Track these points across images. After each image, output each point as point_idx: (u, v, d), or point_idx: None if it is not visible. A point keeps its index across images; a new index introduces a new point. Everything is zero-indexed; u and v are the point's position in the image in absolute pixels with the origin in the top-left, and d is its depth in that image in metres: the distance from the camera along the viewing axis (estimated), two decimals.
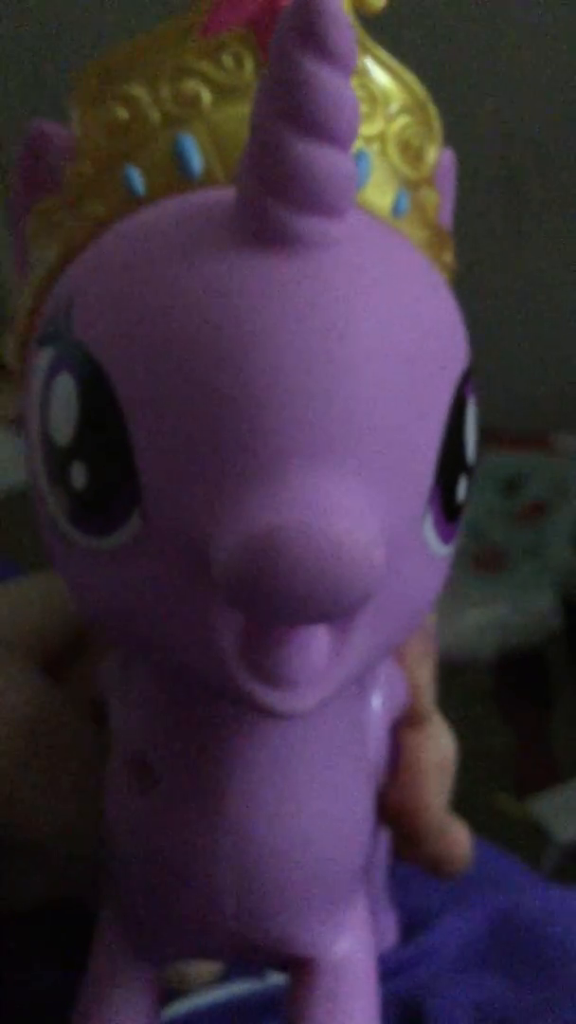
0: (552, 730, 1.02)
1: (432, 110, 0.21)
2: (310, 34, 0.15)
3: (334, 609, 0.16)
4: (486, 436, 1.27)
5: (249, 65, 0.19)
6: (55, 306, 0.19)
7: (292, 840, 0.21)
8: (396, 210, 0.20)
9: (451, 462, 0.19)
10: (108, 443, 0.17)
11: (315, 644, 0.17)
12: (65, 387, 0.18)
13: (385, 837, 0.29)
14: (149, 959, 0.23)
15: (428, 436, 0.18)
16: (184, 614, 0.18)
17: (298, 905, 0.21)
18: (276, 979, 0.31)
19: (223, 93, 0.19)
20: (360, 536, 0.16)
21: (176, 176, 0.19)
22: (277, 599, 0.16)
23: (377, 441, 0.17)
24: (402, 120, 0.20)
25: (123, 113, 0.19)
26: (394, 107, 0.20)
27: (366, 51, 0.20)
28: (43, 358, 0.19)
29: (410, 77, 0.21)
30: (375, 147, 0.20)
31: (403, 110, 0.21)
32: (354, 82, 0.20)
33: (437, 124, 0.21)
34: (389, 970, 0.32)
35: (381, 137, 0.20)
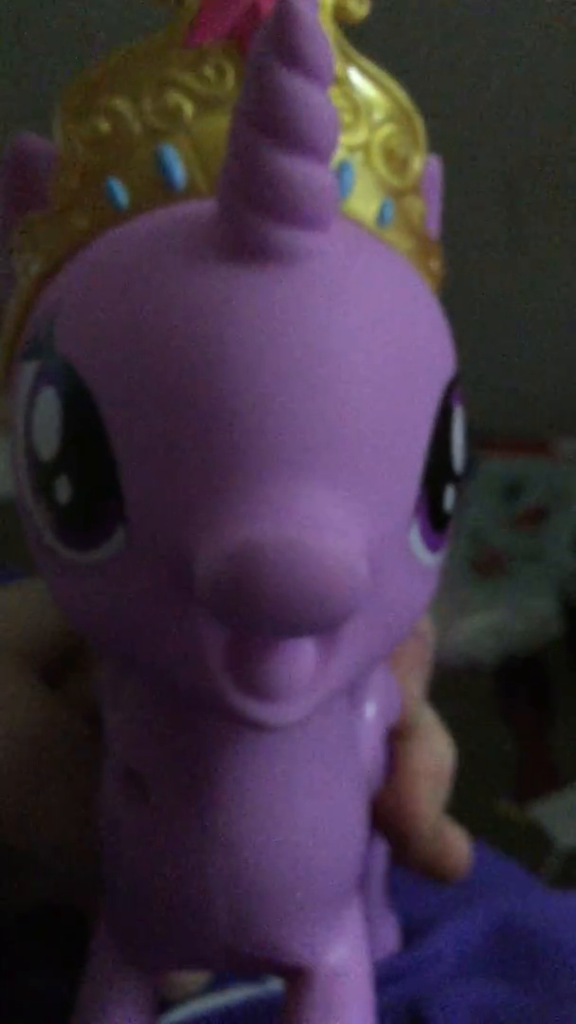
0: (553, 735, 1.01)
1: (417, 119, 0.21)
2: (286, 47, 0.15)
3: (319, 622, 0.16)
4: (486, 442, 1.27)
5: (231, 76, 0.19)
6: (39, 320, 0.19)
7: (284, 850, 0.21)
8: (381, 219, 0.20)
9: (437, 471, 0.19)
10: (91, 458, 0.17)
11: (301, 656, 0.17)
12: (49, 402, 0.18)
13: (382, 844, 0.29)
14: (144, 968, 0.23)
15: (413, 446, 0.18)
16: (169, 627, 0.18)
17: (291, 915, 0.21)
18: (275, 984, 0.31)
19: (205, 105, 0.19)
20: (343, 549, 0.16)
21: (159, 188, 0.19)
22: (260, 613, 0.16)
23: (361, 453, 0.17)
24: (386, 129, 0.20)
25: (106, 126, 0.19)
26: (378, 116, 0.20)
27: (349, 61, 0.20)
28: (27, 372, 0.19)
29: (394, 86, 0.21)
30: (359, 156, 0.20)
31: (387, 119, 0.21)
32: (337, 92, 0.20)
33: (422, 133, 0.21)
34: (389, 976, 0.32)
35: (365, 146, 0.20)
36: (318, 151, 0.16)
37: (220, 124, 0.19)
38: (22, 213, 0.21)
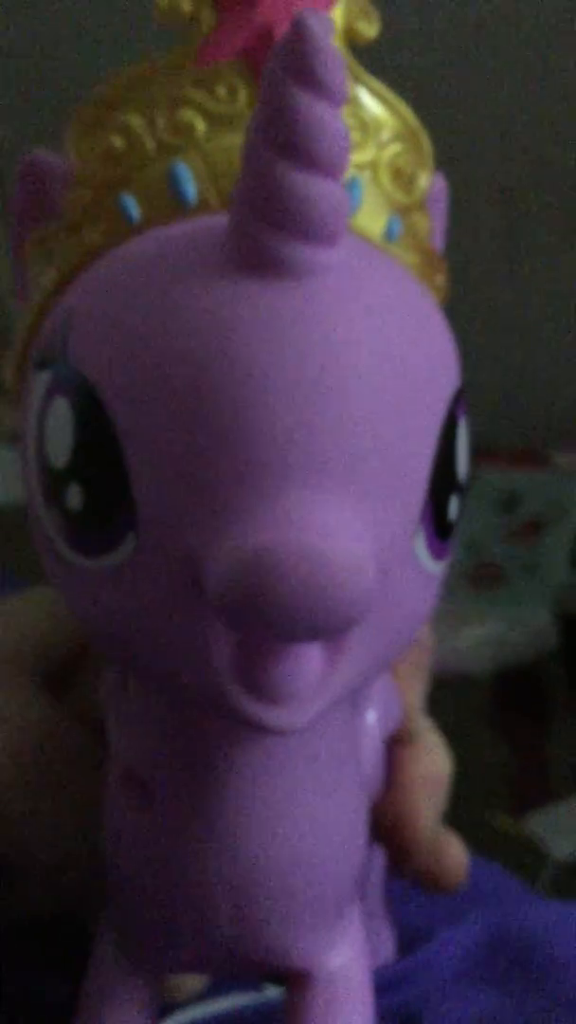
0: (548, 747, 1.01)
1: (424, 137, 0.21)
2: (301, 68, 0.16)
3: (326, 628, 0.16)
4: (483, 453, 1.27)
5: (243, 95, 0.20)
6: (52, 331, 0.19)
7: (286, 855, 0.21)
8: (388, 235, 0.21)
9: (443, 481, 0.19)
10: (103, 466, 0.18)
11: (308, 661, 0.18)
12: (61, 411, 0.18)
13: (380, 851, 0.30)
14: (146, 971, 0.24)
15: (420, 456, 0.18)
16: (179, 632, 0.18)
17: (292, 919, 0.22)
18: (273, 992, 0.31)
19: (217, 122, 0.20)
20: (352, 556, 0.16)
21: (171, 204, 0.20)
22: (269, 618, 0.16)
23: (369, 463, 0.17)
24: (394, 147, 0.21)
25: (119, 142, 0.20)
26: (386, 135, 0.21)
27: (358, 80, 0.21)
28: (40, 382, 0.19)
29: (402, 105, 0.21)
30: (367, 174, 0.21)
31: (395, 137, 0.21)
32: (346, 111, 0.20)
33: (428, 150, 0.22)
34: (387, 983, 0.32)
35: (373, 164, 0.21)
36: (331, 169, 0.16)
37: (232, 141, 0.19)
38: (35, 226, 0.21)
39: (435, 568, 0.20)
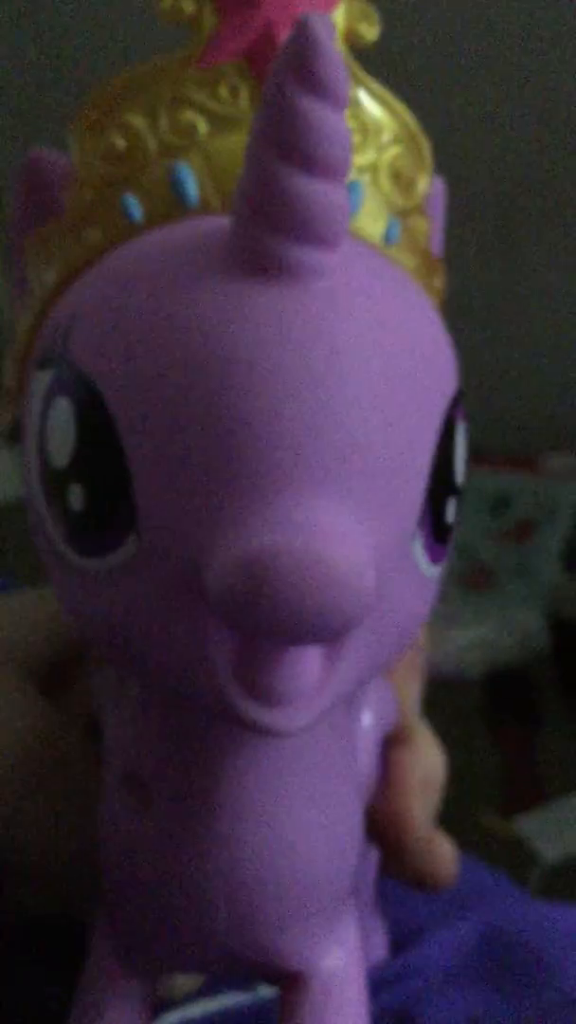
0: (538, 749, 1.02)
1: (423, 140, 0.21)
2: (304, 71, 0.16)
3: (326, 630, 0.16)
4: (475, 457, 1.27)
5: (245, 96, 0.20)
6: (53, 331, 0.19)
7: (283, 855, 0.21)
8: (387, 238, 0.21)
9: (441, 485, 0.19)
10: (105, 466, 0.18)
11: (307, 663, 0.18)
12: (62, 411, 0.18)
13: (374, 851, 0.30)
14: (141, 972, 0.24)
15: (419, 460, 0.18)
16: (178, 633, 0.18)
17: (289, 919, 0.22)
18: (266, 991, 0.31)
19: (219, 123, 0.20)
20: (352, 559, 0.16)
21: (173, 204, 0.20)
22: (269, 620, 0.16)
23: (369, 466, 0.17)
24: (394, 150, 0.21)
25: (121, 142, 0.20)
26: (386, 137, 0.21)
27: (359, 83, 0.21)
28: (41, 381, 0.19)
29: (402, 108, 0.21)
30: (367, 177, 0.21)
31: (395, 140, 0.21)
32: (346, 113, 0.20)
33: (428, 153, 0.22)
34: (380, 983, 0.32)
35: (373, 167, 0.21)
36: (333, 172, 0.16)
37: (234, 143, 0.20)
38: (36, 225, 0.21)
39: (432, 571, 0.20)
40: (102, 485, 0.18)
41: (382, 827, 0.28)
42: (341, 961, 0.23)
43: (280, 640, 0.17)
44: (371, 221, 0.21)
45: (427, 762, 0.29)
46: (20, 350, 0.22)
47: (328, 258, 0.17)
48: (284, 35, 0.19)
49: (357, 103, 0.21)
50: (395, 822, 0.27)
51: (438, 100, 1.07)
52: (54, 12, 1.12)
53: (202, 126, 0.20)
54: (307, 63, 0.16)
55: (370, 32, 0.20)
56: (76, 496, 0.18)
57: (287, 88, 0.16)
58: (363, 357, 0.17)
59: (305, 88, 0.16)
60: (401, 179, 0.21)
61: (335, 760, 0.23)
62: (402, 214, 0.21)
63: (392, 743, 0.29)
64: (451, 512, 0.20)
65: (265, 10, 0.19)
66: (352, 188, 0.20)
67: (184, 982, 0.29)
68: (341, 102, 0.16)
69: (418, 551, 0.19)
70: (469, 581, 1.22)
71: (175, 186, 0.20)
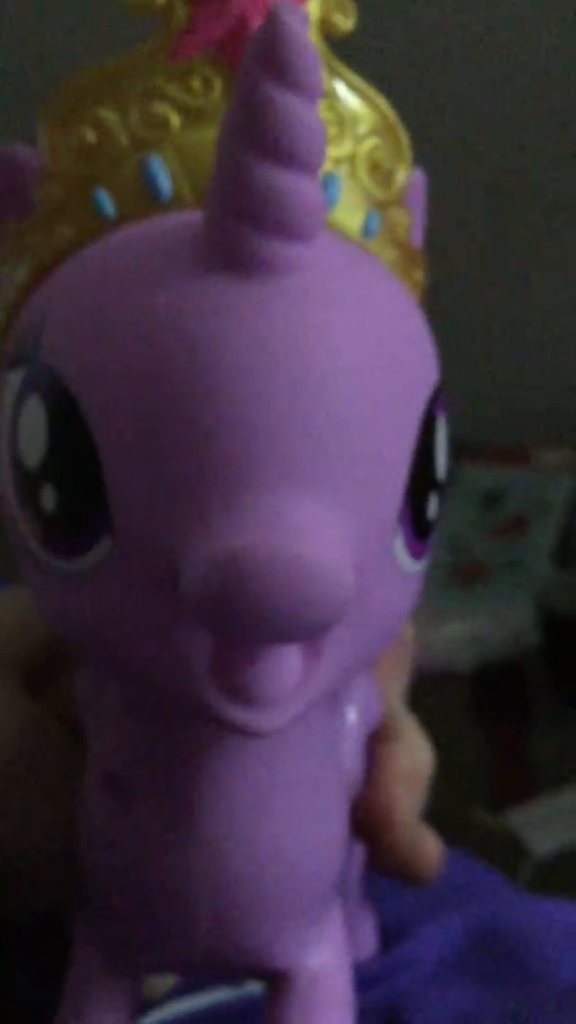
0: (529, 744, 1.02)
1: (401, 131, 0.21)
2: (275, 62, 0.15)
3: (304, 629, 0.16)
4: (466, 451, 1.27)
5: (218, 88, 0.19)
6: (25, 329, 0.19)
7: (266, 854, 0.21)
8: (366, 231, 0.21)
9: (421, 480, 0.19)
10: (78, 467, 0.17)
11: (286, 663, 0.17)
12: (34, 411, 0.18)
13: (360, 847, 0.30)
14: (125, 972, 0.24)
15: (398, 456, 0.18)
16: (155, 634, 0.18)
17: (273, 918, 0.22)
18: (253, 986, 0.31)
19: (192, 116, 0.19)
20: (330, 557, 0.16)
21: (145, 199, 0.19)
22: (247, 620, 0.16)
23: (346, 462, 0.17)
24: (371, 142, 0.21)
25: (92, 136, 0.20)
26: (363, 129, 0.21)
27: (335, 74, 0.20)
28: (13, 381, 0.19)
29: (379, 99, 0.21)
30: (344, 169, 0.20)
31: (372, 132, 0.21)
32: (323, 105, 0.20)
33: (406, 145, 0.21)
34: (369, 979, 0.32)
35: (351, 159, 0.20)
36: (306, 164, 0.16)
37: (206, 136, 0.19)
38: (7, 222, 0.21)
39: (414, 567, 0.20)
40: (75, 485, 0.17)
41: (367, 822, 0.28)
42: (327, 958, 0.23)
43: (257, 640, 0.17)
44: (349, 214, 0.20)
45: (413, 757, 0.29)
46: None
47: (303, 252, 0.17)
48: (257, 26, 0.19)
49: (333, 94, 0.20)
50: (379, 817, 0.27)
51: (427, 92, 1.07)
52: (21, 4, 1.11)
53: (174, 119, 0.19)
54: (277, 53, 0.15)
55: (345, 22, 0.20)
56: (49, 497, 0.18)
57: (257, 79, 0.16)
58: (339, 352, 0.17)
59: (276, 79, 0.16)
60: (379, 171, 0.21)
61: (318, 757, 0.23)
62: (381, 206, 0.21)
63: (377, 739, 0.29)
64: (433, 507, 0.20)
65: (237, 1, 0.19)
66: (329, 180, 0.20)
67: (156, 982, 0.29)
68: (313, 93, 0.16)
69: (399, 547, 0.19)
70: (460, 576, 1.21)
71: (147, 180, 0.19)
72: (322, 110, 0.20)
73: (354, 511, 0.17)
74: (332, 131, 0.20)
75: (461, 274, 1.16)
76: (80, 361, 0.17)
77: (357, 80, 0.21)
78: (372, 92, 0.21)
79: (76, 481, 0.17)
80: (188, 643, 0.17)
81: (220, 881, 0.21)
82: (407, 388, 0.18)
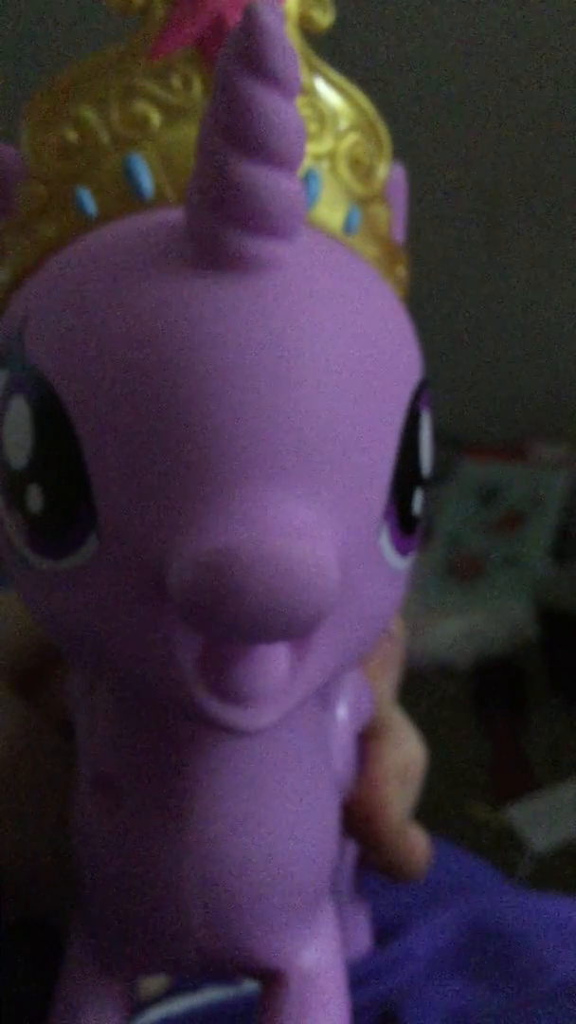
0: (527, 738, 1.02)
1: (381, 127, 0.21)
2: (253, 58, 0.15)
3: (290, 628, 0.16)
4: (463, 446, 1.27)
5: (198, 86, 0.19)
6: (8, 329, 0.19)
7: (257, 853, 0.21)
8: (347, 227, 0.21)
9: (406, 476, 0.19)
10: (63, 467, 0.17)
11: (274, 661, 0.17)
12: (19, 411, 0.18)
13: (352, 843, 0.30)
14: (118, 973, 0.24)
15: (382, 452, 0.18)
16: (142, 633, 0.18)
17: (265, 917, 0.22)
18: (249, 985, 0.31)
19: (172, 114, 0.19)
20: (315, 554, 0.16)
21: (127, 197, 0.19)
22: (232, 618, 0.16)
23: (330, 459, 0.17)
24: (352, 138, 0.21)
25: (73, 135, 0.20)
26: (343, 125, 0.21)
27: (314, 70, 0.20)
28: None
29: (359, 95, 0.21)
30: (325, 165, 0.20)
31: (352, 128, 0.21)
32: (302, 101, 0.20)
33: (387, 140, 0.21)
34: (363, 976, 0.32)
35: (331, 155, 0.20)
36: (285, 161, 0.16)
37: (187, 133, 0.19)
38: None
39: (400, 563, 0.20)
40: (61, 485, 0.17)
41: (357, 820, 0.28)
42: (320, 957, 0.23)
43: (243, 639, 0.17)
44: (330, 210, 0.20)
45: (405, 754, 0.29)
46: None
47: (284, 249, 0.17)
48: (235, 23, 0.18)
49: (313, 91, 0.20)
50: (369, 815, 0.27)
51: (422, 91, 1.07)
52: (13, 4, 1.11)
53: (155, 117, 0.19)
54: (254, 50, 0.15)
55: (324, 18, 0.20)
56: (35, 497, 0.18)
57: (235, 76, 0.16)
58: (320, 348, 0.17)
59: (253, 75, 0.15)
60: (360, 167, 0.21)
61: (308, 754, 0.23)
62: (362, 202, 0.21)
63: (368, 736, 0.29)
64: (418, 503, 0.20)
65: None
66: (310, 177, 0.20)
67: (150, 982, 0.29)
68: (291, 88, 0.16)
69: (385, 543, 0.19)
70: (458, 571, 1.22)
71: (129, 179, 0.19)
72: (302, 107, 0.20)
73: (339, 508, 0.17)
74: (312, 128, 0.20)
75: (459, 271, 1.17)
76: (63, 360, 0.17)
77: (336, 76, 0.21)
78: (351, 88, 0.21)
79: (62, 481, 0.17)
80: (175, 642, 0.17)
81: (211, 879, 0.21)
82: (390, 384, 0.18)
